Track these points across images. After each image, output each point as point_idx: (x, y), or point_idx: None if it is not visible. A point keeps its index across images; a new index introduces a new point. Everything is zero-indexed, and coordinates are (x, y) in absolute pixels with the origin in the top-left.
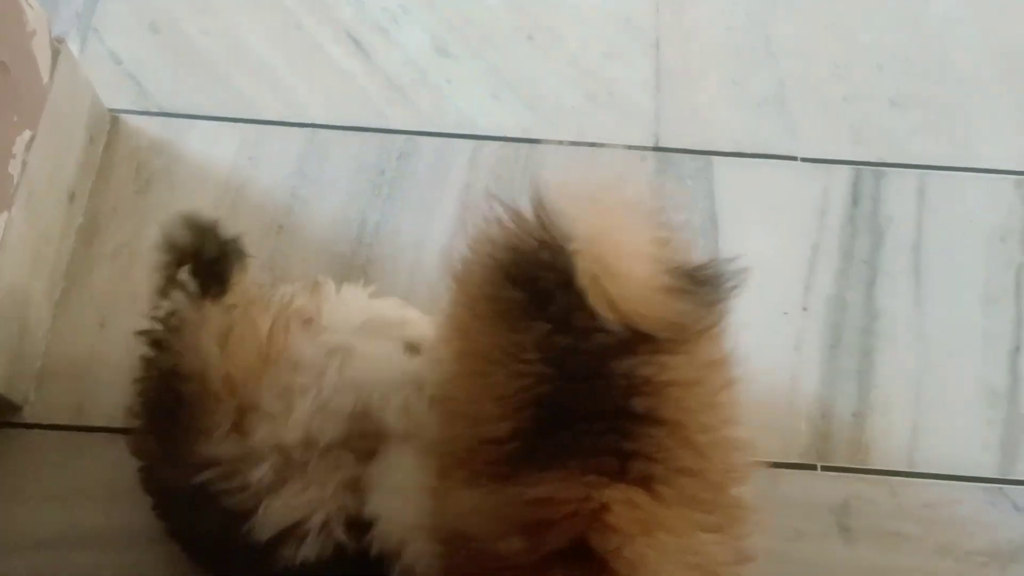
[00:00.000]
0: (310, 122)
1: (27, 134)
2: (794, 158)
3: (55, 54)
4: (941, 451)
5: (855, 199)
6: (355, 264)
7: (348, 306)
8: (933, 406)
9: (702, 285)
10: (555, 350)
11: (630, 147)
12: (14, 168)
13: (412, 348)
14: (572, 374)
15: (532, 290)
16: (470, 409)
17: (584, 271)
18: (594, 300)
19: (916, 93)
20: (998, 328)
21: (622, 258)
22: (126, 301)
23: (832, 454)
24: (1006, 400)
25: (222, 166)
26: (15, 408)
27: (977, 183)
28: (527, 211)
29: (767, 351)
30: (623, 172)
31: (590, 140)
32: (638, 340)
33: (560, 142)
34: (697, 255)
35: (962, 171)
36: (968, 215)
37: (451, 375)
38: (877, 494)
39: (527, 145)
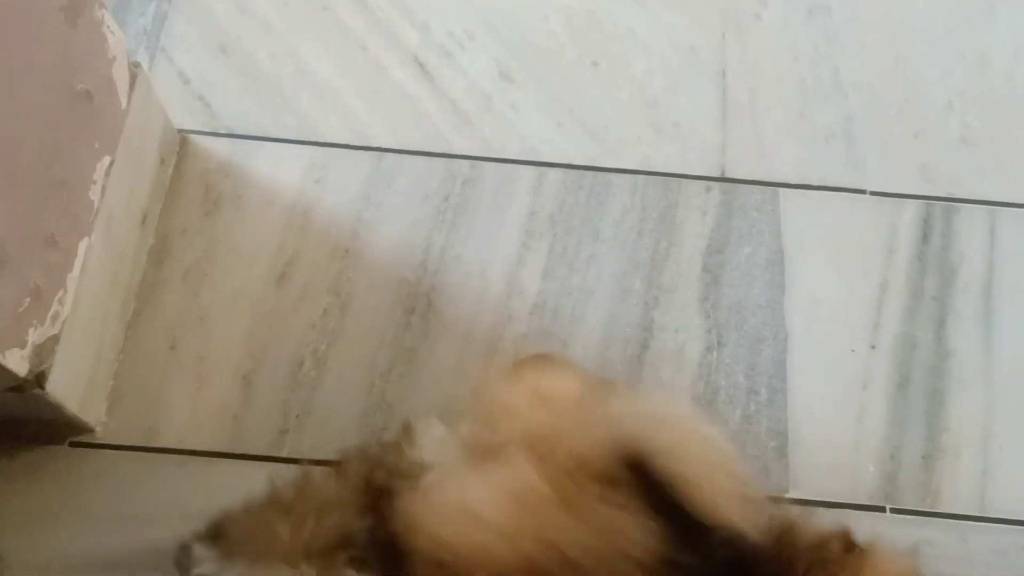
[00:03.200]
0: (376, 146)
1: (107, 160)
2: (863, 192)
3: (132, 79)
4: (1012, 497)
5: (925, 235)
6: (420, 292)
7: None
8: (1004, 450)
9: None
10: None
11: (695, 177)
12: (95, 194)
13: None
14: None
15: None
16: None
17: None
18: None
19: (986, 130)
20: None
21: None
22: (195, 323)
23: (901, 497)
24: None
25: (289, 189)
26: (88, 429)
27: None
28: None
29: (834, 389)
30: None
31: (655, 170)
32: None
33: (625, 171)
34: None
35: None
36: None
37: None
38: (947, 539)
39: (591, 173)
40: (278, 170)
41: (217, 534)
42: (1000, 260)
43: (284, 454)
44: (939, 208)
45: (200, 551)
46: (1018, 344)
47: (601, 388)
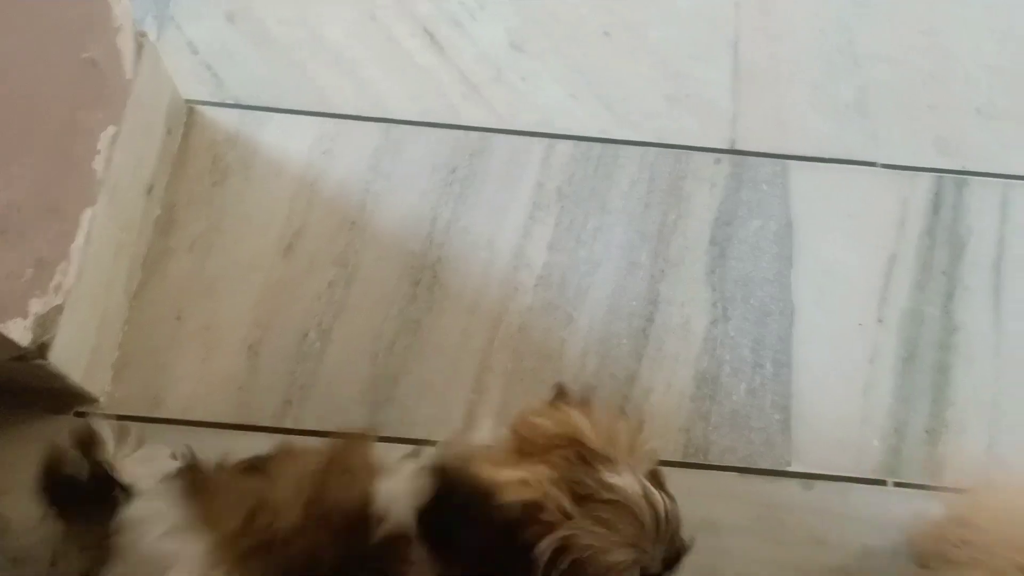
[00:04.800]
0: (385, 117)
1: (112, 129)
2: (874, 164)
3: (139, 48)
4: (1016, 471)
5: (935, 208)
6: (426, 263)
7: None
8: (1010, 426)
9: None
10: None
11: (706, 149)
12: (99, 164)
13: None
14: None
15: None
16: None
17: None
18: None
19: (1004, 103)
20: None
21: None
22: (202, 294)
23: (904, 470)
24: None
25: (297, 159)
26: (92, 399)
27: None
28: None
29: (840, 363)
30: None
31: (665, 141)
32: None
33: (634, 143)
34: None
35: None
36: None
37: None
38: None
39: (600, 145)
40: (287, 141)
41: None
42: (1011, 234)
43: (288, 425)
44: (951, 181)
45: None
46: None
47: None
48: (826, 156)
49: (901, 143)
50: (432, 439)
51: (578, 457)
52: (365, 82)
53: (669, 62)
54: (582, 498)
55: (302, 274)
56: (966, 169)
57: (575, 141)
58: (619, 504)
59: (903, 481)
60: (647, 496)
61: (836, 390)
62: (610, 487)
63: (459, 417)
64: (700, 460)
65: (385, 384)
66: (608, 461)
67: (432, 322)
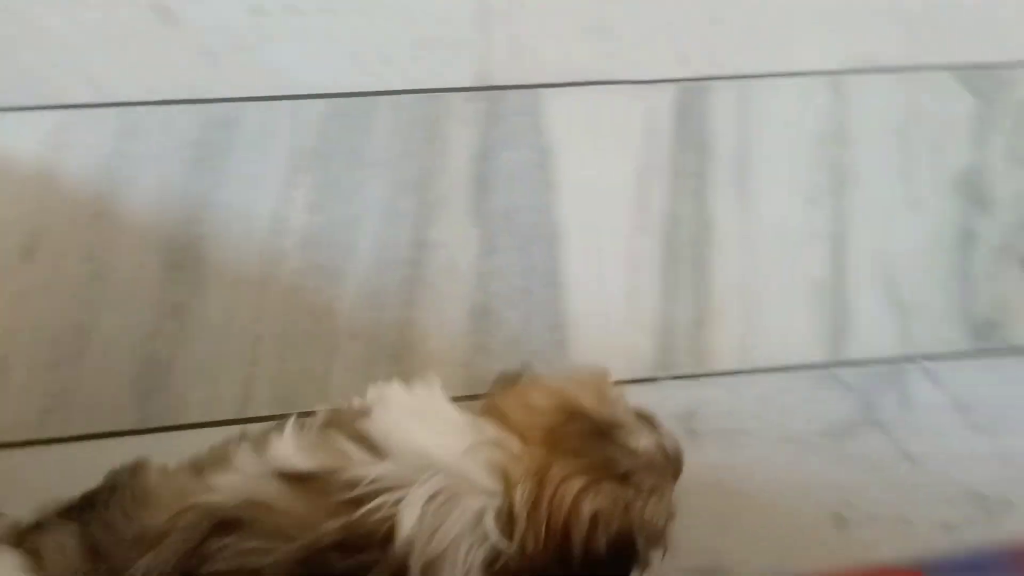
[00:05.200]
0: (121, 100)
1: None
2: (620, 82)
3: None
4: (775, 346)
5: (681, 117)
6: (184, 244)
7: None
8: (765, 305)
9: None
10: None
11: (458, 89)
12: None
13: None
14: None
15: None
16: None
17: None
18: None
19: (734, 7)
20: (818, 225)
21: None
22: None
23: (675, 365)
24: (829, 291)
25: (28, 159)
26: None
27: (793, 86)
28: None
29: (607, 275)
30: None
31: (417, 87)
32: None
33: (386, 93)
34: None
35: (777, 76)
36: (786, 119)
37: None
38: (718, 396)
39: (352, 100)
40: (14, 141)
41: None
42: (750, 130)
43: (50, 435)
44: (691, 88)
45: None
46: (769, 207)
47: None
48: (575, 80)
49: (644, 59)
50: (209, 420)
51: (593, 433)
52: (95, 68)
53: (413, 6)
54: (625, 477)
55: (48, 277)
56: (706, 75)
57: (326, 99)
58: (651, 465)
59: (675, 374)
60: (662, 446)
61: (605, 301)
62: (638, 454)
63: (236, 393)
64: (482, 391)
65: (154, 373)
66: (617, 426)
67: (197, 303)
